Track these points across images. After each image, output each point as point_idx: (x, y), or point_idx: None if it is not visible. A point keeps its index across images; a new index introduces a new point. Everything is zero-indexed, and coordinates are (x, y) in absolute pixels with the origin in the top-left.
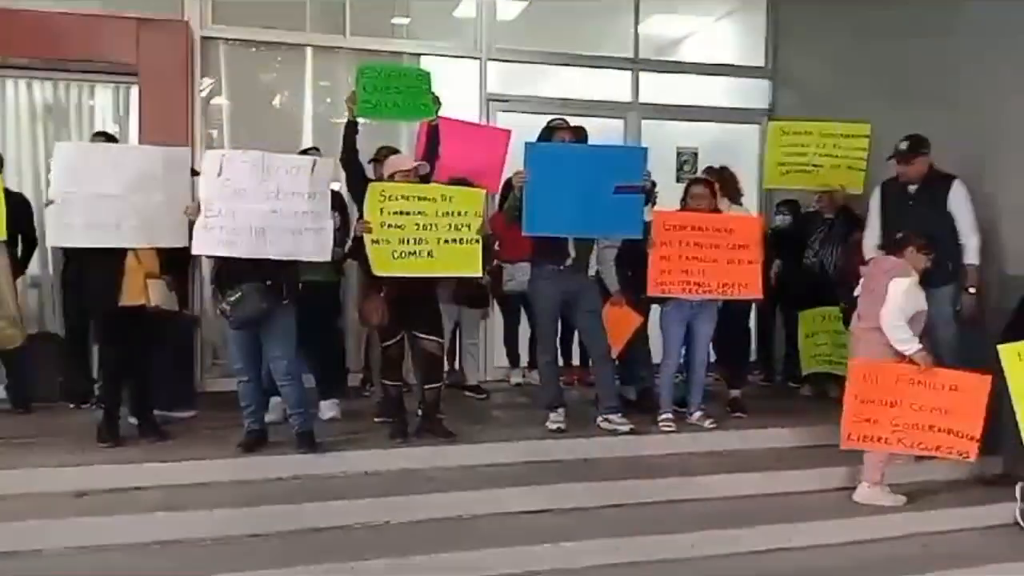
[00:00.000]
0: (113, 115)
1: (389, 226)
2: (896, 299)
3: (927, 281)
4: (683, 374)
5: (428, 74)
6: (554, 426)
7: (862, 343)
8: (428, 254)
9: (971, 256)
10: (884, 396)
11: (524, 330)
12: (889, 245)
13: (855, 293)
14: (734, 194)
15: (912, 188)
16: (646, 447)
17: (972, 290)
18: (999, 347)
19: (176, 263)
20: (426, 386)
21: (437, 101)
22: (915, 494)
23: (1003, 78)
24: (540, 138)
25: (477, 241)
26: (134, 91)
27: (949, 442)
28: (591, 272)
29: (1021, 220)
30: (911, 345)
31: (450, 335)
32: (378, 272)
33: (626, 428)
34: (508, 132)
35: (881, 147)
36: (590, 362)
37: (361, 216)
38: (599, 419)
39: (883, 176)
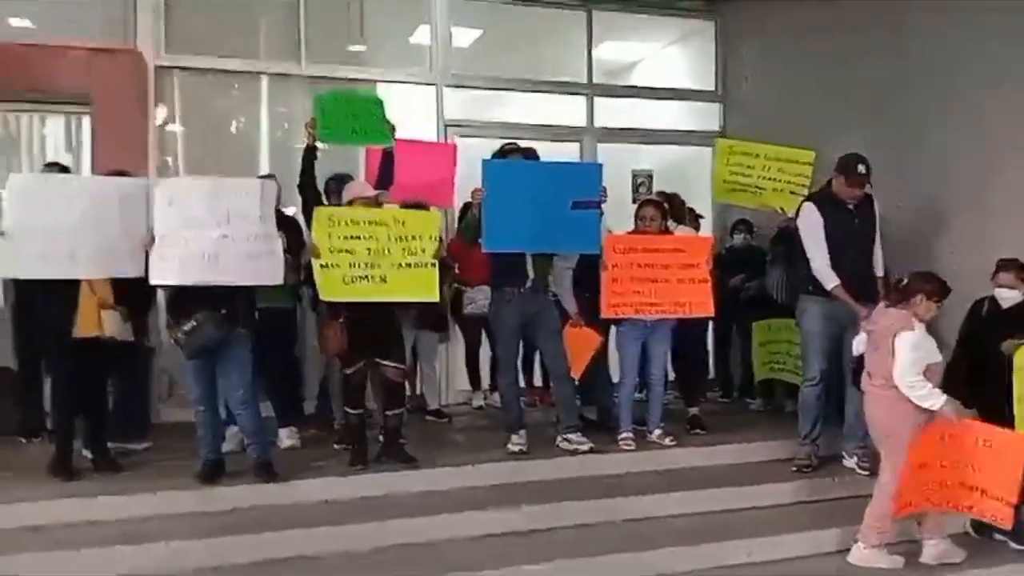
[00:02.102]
0: (65, 144)
1: (339, 251)
2: (906, 356)
3: (864, 297)
4: (642, 392)
5: (381, 101)
6: (515, 448)
7: (879, 404)
8: (381, 279)
9: (879, 268)
10: (918, 459)
11: (485, 352)
12: (890, 293)
13: (858, 349)
14: (681, 217)
15: (850, 206)
16: (607, 466)
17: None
18: (1016, 351)
19: (137, 293)
20: (388, 412)
21: (392, 128)
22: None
23: (947, 101)
24: None
25: (433, 265)
26: (86, 121)
27: (981, 504)
28: (549, 295)
29: (971, 237)
30: (935, 400)
31: (410, 359)
32: (326, 297)
33: (586, 447)
34: (454, 146)
35: (826, 170)
36: (550, 382)
37: None
38: (559, 439)
39: None
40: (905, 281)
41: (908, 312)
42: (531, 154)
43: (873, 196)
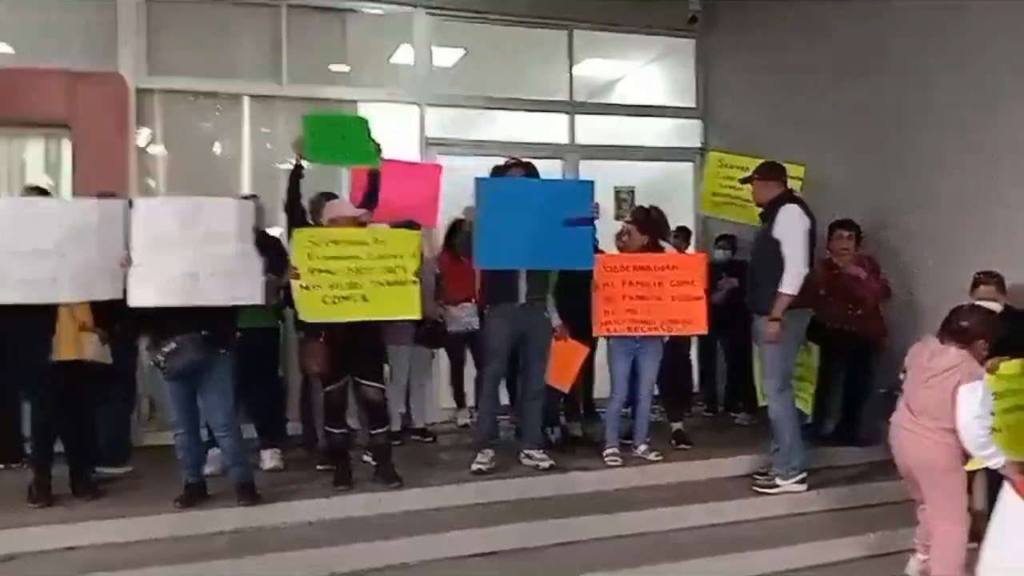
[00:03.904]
0: (45, 167)
1: (319, 271)
2: (974, 410)
3: (755, 308)
4: (627, 407)
5: (367, 121)
6: (476, 467)
7: (919, 442)
8: (362, 298)
9: (782, 283)
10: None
11: (470, 370)
12: (951, 329)
13: (902, 379)
14: (661, 231)
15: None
16: (592, 483)
17: (775, 317)
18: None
19: (118, 315)
20: (372, 431)
21: (378, 148)
22: None
23: (925, 116)
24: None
25: (414, 282)
26: (67, 143)
27: None
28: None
29: (941, 252)
30: (998, 459)
31: (406, 376)
32: (307, 318)
33: (547, 464)
34: (439, 166)
35: (807, 184)
36: (517, 396)
37: None
38: (521, 454)
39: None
40: (964, 323)
41: (970, 355)
42: (531, 168)
43: (784, 204)
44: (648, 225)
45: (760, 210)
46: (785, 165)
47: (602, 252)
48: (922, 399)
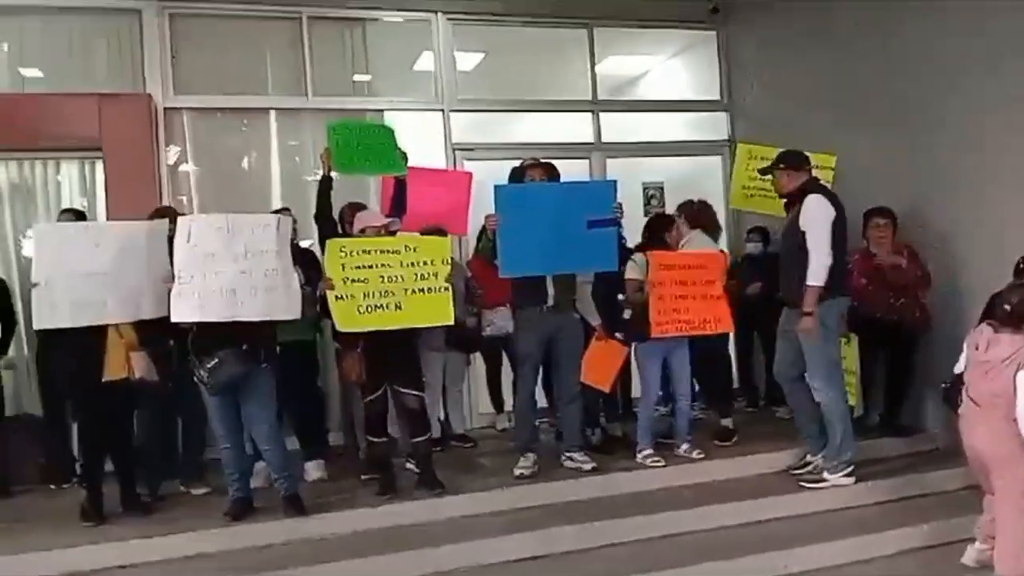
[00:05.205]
0: (80, 190)
1: (352, 281)
2: None
3: (787, 301)
4: (666, 407)
5: (392, 130)
6: (519, 472)
7: (989, 435)
8: (396, 306)
9: (808, 276)
10: None
11: (507, 375)
12: (997, 315)
13: (958, 368)
14: (706, 224)
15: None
16: (636, 484)
17: (807, 311)
18: None
19: (170, 333)
20: (414, 439)
21: (404, 156)
22: None
23: (959, 97)
24: (511, 180)
25: (446, 289)
26: (99, 165)
27: None
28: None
29: (980, 237)
30: None
31: (441, 382)
32: (343, 328)
33: (588, 466)
34: (470, 174)
35: (841, 172)
36: (555, 400)
37: None
38: (563, 457)
39: (847, 204)
40: (1008, 306)
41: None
42: (551, 170)
43: (809, 195)
44: (697, 218)
45: (783, 201)
46: (809, 154)
47: (631, 250)
48: (985, 390)
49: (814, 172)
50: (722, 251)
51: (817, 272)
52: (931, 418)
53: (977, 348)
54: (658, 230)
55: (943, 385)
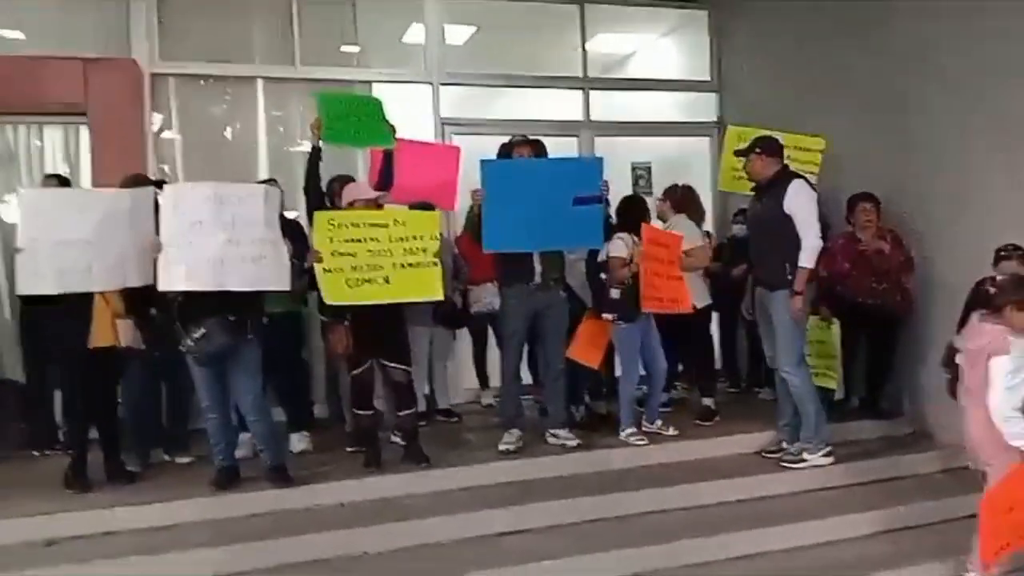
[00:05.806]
0: (64, 156)
1: (340, 254)
2: (999, 384)
3: (767, 284)
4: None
5: (380, 102)
6: (504, 447)
7: (978, 426)
8: (384, 280)
9: (800, 259)
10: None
11: (493, 350)
12: (979, 302)
13: (957, 358)
14: (688, 208)
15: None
16: (618, 461)
17: (799, 291)
18: None
19: (154, 301)
20: (399, 413)
21: (392, 129)
22: None
23: (941, 84)
24: (499, 156)
25: (435, 264)
26: (84, 131)
27: None
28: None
29: (964, 223)
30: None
31: (427, 357)
32: (330, 301)
33: (573, 443)
34: (458, 148)
35: (827, 156)
36: (540, 376)
37: None
38: (547, 434)
39: (832, 187)
40: (992, 291)
41: (1003, 328)
42: (539, 147)
43: (796, 178)
44: (680, 202)
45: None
46: (799, 136)
47: (616, 228)
48: (968, 379)
49: (807, 155)
50: (708, 233)
51: (811, 255)
52: (908, 402)
53: (965, 339)
54: (636, 216)
55: (946, 376)
